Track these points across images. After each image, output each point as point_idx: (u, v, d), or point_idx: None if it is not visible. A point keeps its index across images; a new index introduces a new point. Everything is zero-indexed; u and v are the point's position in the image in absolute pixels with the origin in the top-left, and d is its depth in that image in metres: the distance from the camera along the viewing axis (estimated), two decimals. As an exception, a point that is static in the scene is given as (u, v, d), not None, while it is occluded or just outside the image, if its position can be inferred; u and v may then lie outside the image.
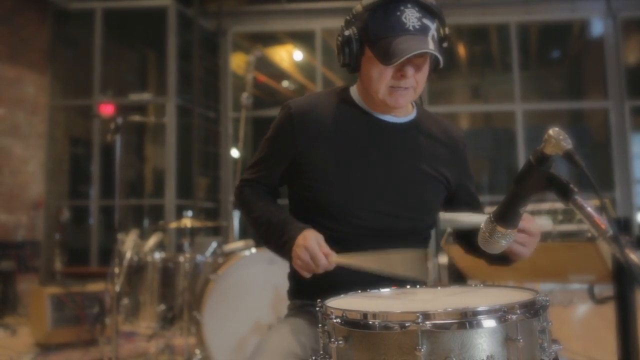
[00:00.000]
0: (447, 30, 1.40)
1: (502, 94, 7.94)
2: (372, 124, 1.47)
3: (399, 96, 1.39)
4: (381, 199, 1.42)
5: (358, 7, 1.38)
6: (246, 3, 7.86)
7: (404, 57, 1.29)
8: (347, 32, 1.38)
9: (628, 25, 7.33)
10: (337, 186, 1.41)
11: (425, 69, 1.39)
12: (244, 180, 1.57)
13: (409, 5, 1.32)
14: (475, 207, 1.59)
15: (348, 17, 1.40)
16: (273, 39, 8.05)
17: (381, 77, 1.36)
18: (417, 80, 1.38)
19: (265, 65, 7.95)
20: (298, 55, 8.46)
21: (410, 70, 1.35)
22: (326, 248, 1.30)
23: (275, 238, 1.41)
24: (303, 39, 7.90)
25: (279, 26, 7.70)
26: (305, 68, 8.33)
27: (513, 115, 7.34)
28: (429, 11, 1.34)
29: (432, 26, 1.35)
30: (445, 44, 1.41)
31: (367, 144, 1.45)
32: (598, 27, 7.62)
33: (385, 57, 1.31)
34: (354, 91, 1.51)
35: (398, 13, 1.32)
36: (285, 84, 8.89)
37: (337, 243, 1.35)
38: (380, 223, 1.42)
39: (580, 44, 8.26)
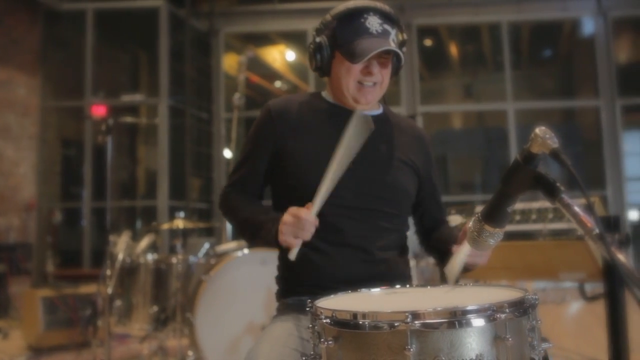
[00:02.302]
0: (405, 36, 1.60)
1: (494, 93, 7.97)
2: (345, 116, 1.56)
3: (367, 93, 1.54)
4: (359, 179, 1.51)
5: (327, 16, 1.55)
6: (238, 3, 7.85)
7: (369, 54, 1.46)
8: (318, 39, 1.55)
9: (618, 24, 7.37)
10: (316, 169, 1.48)
11: (389, 67, 1.56)
12: (228, 186, 1.64)
13: (371, 14, 1.52)
14: (438, 202, 1.73)
15: (318, 26, 1.58)
16: (265, 39, 8.04)
17: (349, 75, 1.52)
18: (382, 75, 1.55)
19: (258, 66, 7.94)
20: (290, 55, 8.46)
21: (375, 68, 1.52)
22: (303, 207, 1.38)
23: (263, 231, 1.46)
24: (295, 39, 7.90)
25: (271, 26, 7.69)
26: (298, 68, 8.33)
27: (505, 114, 7.37)
28: (389, 18, 1.54)
29: (392, 31, 1.54)
30: (404, 49, 1.59)
31: (339, 131, 1.53)
32: (589, 26, 7.66)
33: (352, 56, 1.48)
34: (325, 94, 1.66)
35: (362, 20, 1.51)
36: (277, 84, 8.89)
37: (321, 225, 1.44)
38: (360, 202, 1.51)
39: (571, 42, 8.31)
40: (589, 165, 7.69)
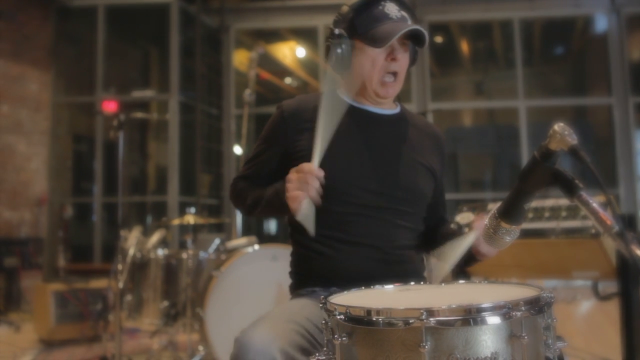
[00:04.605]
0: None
1: (505, 90, 7.91)
2: (360, 114, 1.57)
3: (389, 87, 1.52)
4: (373, 177, 1.50)
5: (343, 8, 1.53)
6: (248, 0, 7.85)
7: (395, 36, 1.43)
8: (337, 31, 1.51)
9: (632, 21, 7.29)
10: (328, 167, 1.46)
11: (407, 56, 1.54)
12: (237, 177, 1.66)
13: (388, 1, 1.51)
14: (444, 201, 1.72)
15: (335, 19, 1.54)
16: (275, 35, 8.03)
17: (374, 64, 1.49)
18: (401, 66, 1.52)
19: (268, 62, 7.94)
20: (300, 51, 8.45)
21: (399, 53, 1.49)
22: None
23: (271, 196, 1.48)
24: (305, 35, 7.88)
25: (282, 23, 7.68)
26: (308, 64, 8.32)
27: (516, 111, 7.31)
28: (405, 6, 1.53)
29: (409, 20, 1.52)
30: None
31: (355, 130, 1.55)
32: (602, 23, 7.58)
33: (377, 41, 1.45)
34: (340, 91, 1.62)
35: (380, 7, 1.49)
36: (287, 80, 8.89)
37: (336, 223, 1.44)
38: (377, 201, 1.49)
39: (584, 40, 8.23)
40: (601, 164, 7.62)
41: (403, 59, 1.50)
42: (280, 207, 1.42)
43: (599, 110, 7.88)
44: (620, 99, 7.16)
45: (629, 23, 7.22)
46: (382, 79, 1.50)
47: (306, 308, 1.38)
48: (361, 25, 1.48)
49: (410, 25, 1.44)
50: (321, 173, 1.33)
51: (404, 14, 1.50)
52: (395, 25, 1.45)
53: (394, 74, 1.51)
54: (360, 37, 1.49)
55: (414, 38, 1.49)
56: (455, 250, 1.38)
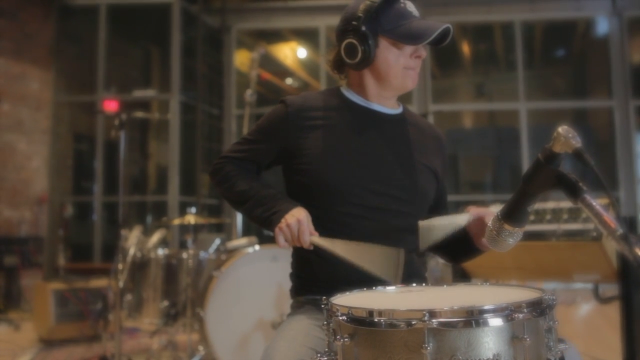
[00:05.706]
0: None
1: (506, 92, 7.92)
2: (364, 113, 1.56)
3: (414, 77, 1.53)
4: (377, 178, 1.49)
5: (361, 7, 1.47)
6: (250, 0, 7.86)
7: (434, 33, 1.42)
8: (363, 28, 1.46)
9: (633, 24, 7.29)
10: (332, 167, 1.47)
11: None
12: (226, 157, 1.59)
13: None
14: (445, 202, 1.70)
15: (357, 16, 1.47)
16: (277, 36, 8.04)
17: (398, 60, 1.49)
18: (420, 62, 1.52)
19: (269, 63, 7.94)
20: (302, 52, 8.45)
21: (424, 51, 1.49)
22: (312, 227, 1.39)
23: (264, 208, 1.47)
24: (307, 36, 7.89)
25: (283, 23, 7.69)
26: (309, 65, 8.33)
27: (517, 113, 7.32)
28: (416, 5, 1.53)
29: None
30: None
31: (359, 130, 1.53)
32: (603, 26, 7.59)
33: (415, 38, 1.45)
34: (344, 89, 1.61)
35: (402, 5, 1.49)
36: (288, 81, 8.89)
37: (337, 224, 1.42)
38: (379, 203, 1.48)
39: (585, 42, 8.24)
40: (602, 167, 7.62)
41: (423, 55, 1.51)
42: (266, 225, 1.46)
43: (600, 113, 7.88)
44: (621, 101, 7.16)
45: (630, 26, 7.23)
46: (407, 73, 1.51)
47: (308, 336, 1.37)
48: (388, 22, 1.46)
49: (445, 24, 1.44)
50: (311, 247, 1.39)
51: (419, 12, 1.51)
52: (427, 24, 1.45)
53: (414, 68, 1.52)
54: (388, 34, 1.47)
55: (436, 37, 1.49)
56: (446, 224, 1.37)
